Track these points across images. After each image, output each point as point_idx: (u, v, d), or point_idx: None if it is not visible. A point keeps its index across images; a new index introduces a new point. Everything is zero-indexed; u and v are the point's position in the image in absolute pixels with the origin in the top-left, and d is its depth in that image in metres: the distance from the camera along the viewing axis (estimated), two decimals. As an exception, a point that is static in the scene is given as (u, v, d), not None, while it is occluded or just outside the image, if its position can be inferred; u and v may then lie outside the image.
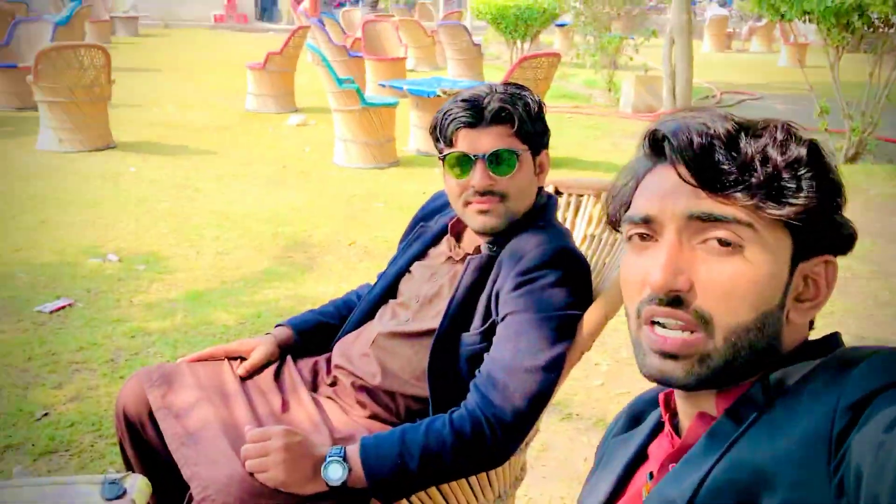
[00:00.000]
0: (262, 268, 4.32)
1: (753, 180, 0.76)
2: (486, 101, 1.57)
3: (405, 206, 5.59)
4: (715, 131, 0.78)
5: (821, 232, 0.79)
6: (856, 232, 0.82)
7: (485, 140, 1.56)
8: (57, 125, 6.84)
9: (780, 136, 0.79)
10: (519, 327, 1.48)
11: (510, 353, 1.47)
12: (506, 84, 1.64)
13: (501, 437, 1.43)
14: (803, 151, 0.78)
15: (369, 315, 1.77)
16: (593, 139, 8.42)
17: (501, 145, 1.56)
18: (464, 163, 1.58)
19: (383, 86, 7.88)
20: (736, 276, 0.76)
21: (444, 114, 1.61)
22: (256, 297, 3.90)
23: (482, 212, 1.59)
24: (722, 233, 0.76)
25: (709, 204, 0.77)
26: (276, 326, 1.87)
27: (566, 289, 1.52)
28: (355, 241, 4.79)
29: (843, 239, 0.81)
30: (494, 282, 1.57)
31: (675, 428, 0.88)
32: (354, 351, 1.69)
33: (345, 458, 1.39)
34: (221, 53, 16.17)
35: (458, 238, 1.74)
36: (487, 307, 1.57)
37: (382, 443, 1.42)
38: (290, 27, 12.45)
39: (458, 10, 21.84)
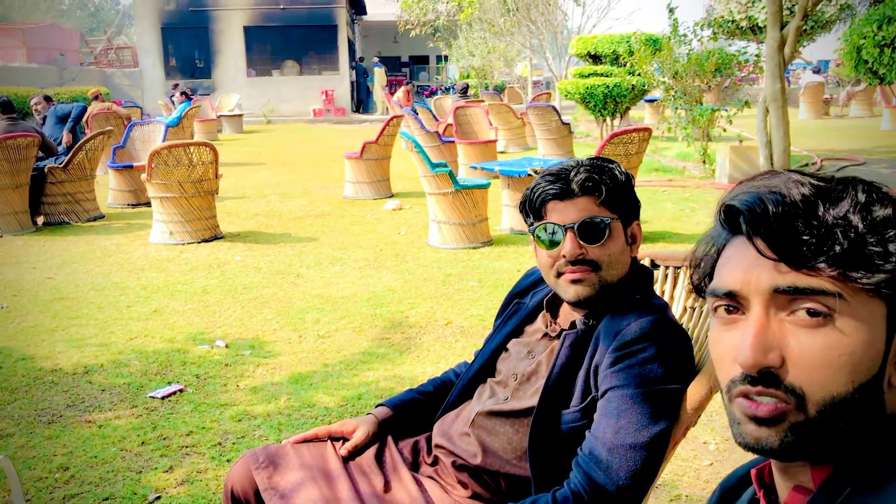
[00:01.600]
0: (362, 349, 4.39)
1: (837, 249, 0.73)
2: (572, 173, 1.60)
3: (499, 284, 5.61)
4: (791, 199, 0.76)
5: None
6: None
7: (573, 210, 1.59)
8: (167, 219, 7.24)
9: (861, 197, 0.75)
10: (620, 403, 1.46)
11: (612, 430, 1.44)
12: (592, 158, 1.67)
13: None
14: (889, 212, 0.74)
15: (467, 393, 1.78)
16: (689, 212, 8.30)
17: (590, 214, 1.58)
18: (554, 234, 1.60)
19: (475, 168, 8.03)
20: (828, 349, 0.73)
21: (533, 189, 1.64)
22: (357, 378, 3.95)
23: (575, 281, 1.59)
24: (810, 304, 0.74)
25: (792, 277, 0.75)
26: (377, 406, 1.90)
27: (667, 362, 1.49)
28: (451, 321, 4.83)
29: None
30: (592, 357, 1.56)
31: None
32: (454, 430, 1.69)
33: None
34: (320, 145, 16.86)
35: (553, 314, 1.74)
36: (586, 383, 1.55)
37: None
38: (385, 117, 12.89)
39: (547, 91, 22.20)
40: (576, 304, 1.64)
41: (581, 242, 1.58)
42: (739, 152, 10.22)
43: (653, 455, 1.42)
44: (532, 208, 1.65)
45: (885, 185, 0.78)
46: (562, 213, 1.60)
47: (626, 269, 1.64)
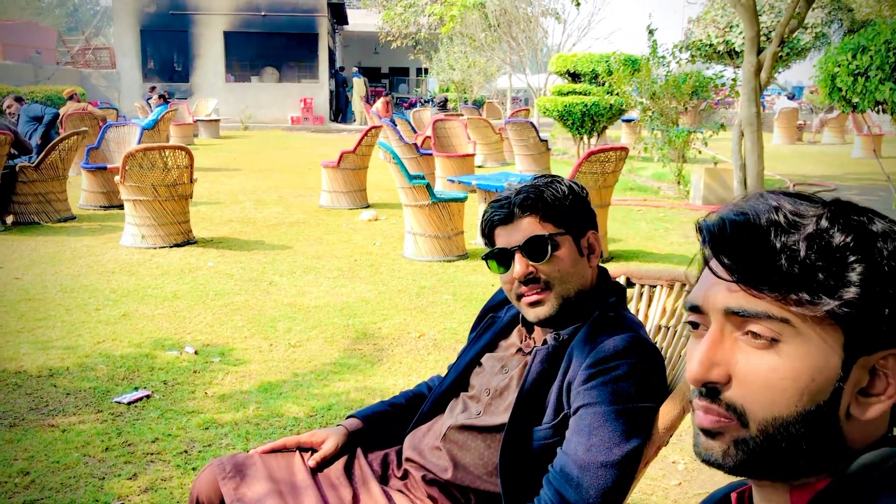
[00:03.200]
0: (333, 360, 4.35)
1: (782, 275, 0.73)
2: (514, 196, 1.64)
3: (473, 297, 5.61)
4: (753, 222, 0.76)
5: (880, 324, 0.73)
6: None
7: (518, 232, 1.63)
8: (140, 222, 7.15)
9: (823, 224, 0.75)
10: (592, 421, 1.46)
11: (584, 447, 1.44)
12: (536, 176, 1.71)
13: None
14: (847, 240, 0.74)
15: (440, 407, 1.76)
16: (663, 231, 8.37)
17: (533, 233, 1.61)
18: (504, 257, 1.64)
19: (452, 181, 8.04)
20: (770, 371, 0.74)
21: (483, 216, 1.69)
22: (327, 389, 3.92)
23: (533, 304, 1.62)
24: (756, 327, 0.75)
25: (741, 299, 0.76)
26: (347, 418, 1.88)
27: (640, 380, 1.49)
28: (424, 333, 4.81)
29: None
30: (566, 373, 1.55)
31: None
32: (425, 444, 1.68)
33: None
34: (297, 153, 16.80)
35: (529, 328, 1.73)
36: (559, 399, 1.55)
37: None
38: (363, 128, 12.88)
39: (526, 108, 22.32)
40: (539, 325, 1.67)
41: (528, 262, 1.61)
42: (714, 174, 10.33)
43: (624, 473, 1.42)
44: (485, 235, 1.70)
45: (872, 211, 0.78)
46: (508, 237, 1.64)
47: (585, 280, 1.65)
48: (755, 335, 0.75)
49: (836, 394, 0.74)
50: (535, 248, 1.61)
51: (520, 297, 1.64)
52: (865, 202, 0.80)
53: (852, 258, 0.73)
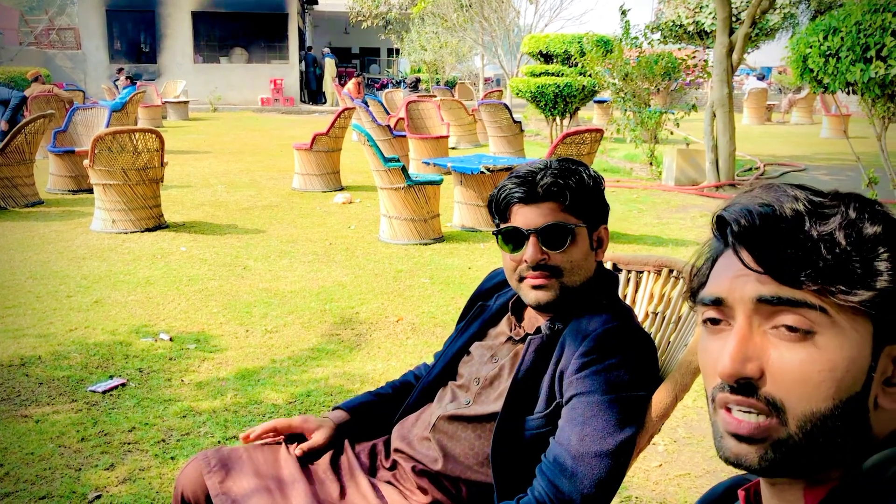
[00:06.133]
0: (311, 345, 4.32)
1: (820, 264, 0.73)
2: (539, 176, 1.58)
3: (451, 281, 5.59)
4: (780, 213, 0.76)
5: None
6: None
7: (537, 215, 1.57)
8: (110, 206, 7.03)
9: (852, 214, 0.75)
10: (585, 410, 1.44)
11: (577, 437, 1.43)
12: (562, 160, 1.64)
13: None
14: (878, 230, 0.74)
15: (428, 396, 1.74)
16: (637, 213, 8.40)
17: (554, 220, 1.56)
18: (517, 238, 1.58)
19: (427, 163, 8.00)
20: (807, 364, 0.73)
21: (500, 190, 1.62)
22: (306, 375, 3.89)
23: (537, 287, 1.58)
24: (790, 318, 0.74)
25: (776, 287, 0.75)
26: (333, 409, 1.85)
27: (633, 369, 1.48)
28: (402, 318, 4.79)
29: None
30: (558, 362, 1.54)
31: None
32: (414, 434, 1.66)
33: None
34: (268, 135, 16.62)
35: (518, 317, 1.71)
36: (551, 389, 1.54)
37: None
38: (335, 109, 12.76)
39: (498, 88, 22.27)
40: (538, 309, 1.63)
41: (543, 248, 1.56)
42: (686, 155, 10.39)
43: (618, 463, 1.41)
44: (498, 210, 1.63)
45: (880, 203, 0.78)
46: (526, 217, 1.58)
47: (589, 273, 1.62)
48: (789, 328, 0.74)
49: (868, 384, 0.74)
50: (553, 236, 1.56)
51: (522, 279, 1.60)
52: (835, 182, 0.80)
53: (881, 248, 0.74)
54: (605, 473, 1.40)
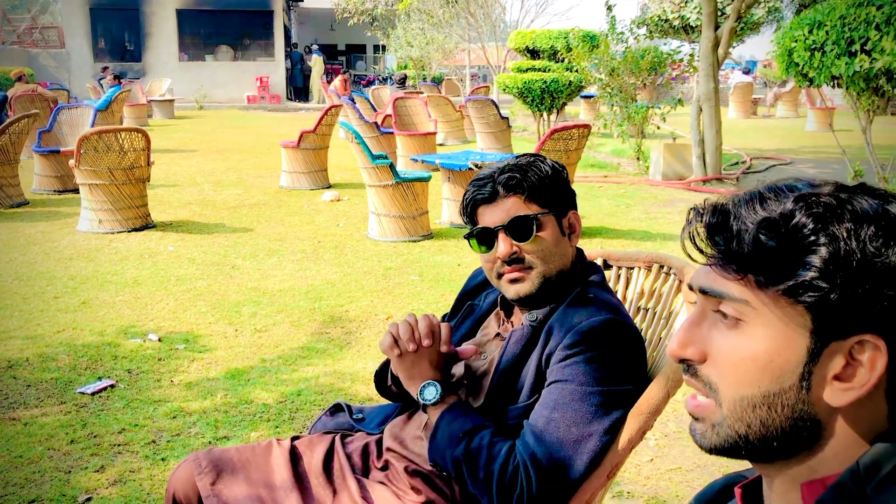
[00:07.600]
0: (301, 344, 4.31)
1: (741, 256, 0.75)
2: (497, 175, 1.64)
3: (440, 278, 5.59)
4: (726, 206, 0.78)
5: (850, 308, 0.70)
6: None
7: (501, 211, 1.63)
8: (97, 206, 6.99)
9: (788, 206, 0.74)
10: (559, 396, 1.48)
11: (544, 419, 1.48)
12: (518, 155, 1.70)
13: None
14: (808, 221, 0.72)
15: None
16: (624, 207, 8.42)
17: (517, 213, 1.61)
18: (488, 237, 1.63)
19: (415, 160, 7.99)
20: (734, 351, 0.76)
21: (464, 196, 1.68)
22: (296, 374, 3.88)
23: (513, 280, 1.62)
24: (724, 307, 0.78)
25: (710, 279, 0.79)
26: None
27: (615, 363, 1.50)
28: (392, 315, 4.78)
29: (886, 315, 0.71)
30: (542, 354, 1.57)
31: None
32: (407, 434, 1.66)
33: (441, 398, 1.55)
34: (255, 133, 16.56)
35: (507, 312, 1.74)
36: (535, 379, 1.56)
37: (460, 417, 1.51)
38: (321, 106, 12.72)
39: (485, 84, 22.25)
40: (519, 302, 1.66)
41: (513, 241, 1.61)
42: (673, 150, 10.42)
43: (579, 455, 1.44)
44: (467, 214, 1.69)
45: (863, 188, 0.77)
46: (492, 216, 1.64)
47: (566, 260, 1.66)
48: (724, 315, 0.78)
49: (805, 378, 0.74)
50: (519, 228, 1.61)
51: (500, 275, 1.64)
52: (820, 175, 0.81)
53: (814, 240, 0.72)
54: (565, 462, 1.43)
